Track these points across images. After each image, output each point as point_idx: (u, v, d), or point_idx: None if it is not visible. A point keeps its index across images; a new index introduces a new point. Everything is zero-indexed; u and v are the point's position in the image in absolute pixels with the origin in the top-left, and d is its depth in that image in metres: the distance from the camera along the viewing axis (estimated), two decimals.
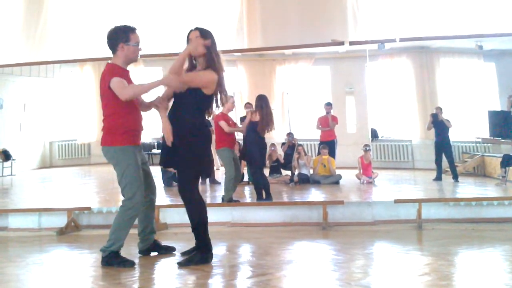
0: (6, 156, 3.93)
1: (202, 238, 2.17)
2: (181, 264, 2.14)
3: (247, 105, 3.68)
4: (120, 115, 2.16)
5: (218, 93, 2.17)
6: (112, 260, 2.18)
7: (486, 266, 2.12)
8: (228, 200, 3.38)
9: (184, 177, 2.16)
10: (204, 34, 2.18)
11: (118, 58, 2.21)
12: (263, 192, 3.39)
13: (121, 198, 2.26)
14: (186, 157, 2.11)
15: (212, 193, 3.79)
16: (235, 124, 3.57)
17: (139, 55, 2.25)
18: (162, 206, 3.29)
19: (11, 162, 3.96)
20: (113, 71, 2.16)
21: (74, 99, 4.14)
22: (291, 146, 3.89)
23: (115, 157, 2.18)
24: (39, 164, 4.08)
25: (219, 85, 2.15)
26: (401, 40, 3.37)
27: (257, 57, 4.02)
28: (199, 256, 2.17)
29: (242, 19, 3.65)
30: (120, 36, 2.18)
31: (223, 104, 2.25)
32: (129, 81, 2.23)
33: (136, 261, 2.26)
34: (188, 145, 2.11)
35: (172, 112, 2.19)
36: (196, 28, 2.21)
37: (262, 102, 3.40)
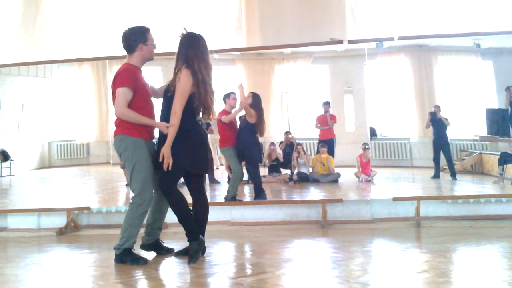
0: (5, 156, 3.92)
1: (189, 226, 2.20)
2: (190, 262, 2.15)
3: None
4: (131, 108, 2.17)
5: (196, 96, 2.16)
6: (125, 257, 2.19)
7: (484, 263, 2.13)
8: (232, 198, 3.37)
9: (163, 173, 2.18)
10: (186, 38, 2.20)
11: (134, 58, 2.24)
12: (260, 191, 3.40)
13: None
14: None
15: (211, 192, 3.79)
16: (235, 121, 3.57)
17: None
18: None
19: (10, 163, 3.95)
20: (127, 73, 2.17)
21: (72, 99, 4.13)
22: (289, 145, 3.90)
23: (128, 149, 2.18)
24: (38, 165, 4.08)
25: (196, 87, 2.14)
26: (400, 38, 3.38)
27: (256, 56, 4.02)
28: (194, 244, 2.20)
29: (241, 18, 3.65)
30: (139, 37, 2.21)
31: (207, 113, 2.22)
32: (143, 79, 2.25)
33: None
34: (173, 146, 2.14)
35: (163, 118, 2.22)
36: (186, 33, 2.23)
37: (259, 102, 3.40)
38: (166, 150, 2.12)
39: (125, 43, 2.23)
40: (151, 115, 2.25)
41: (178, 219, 2.22)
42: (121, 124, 2.20)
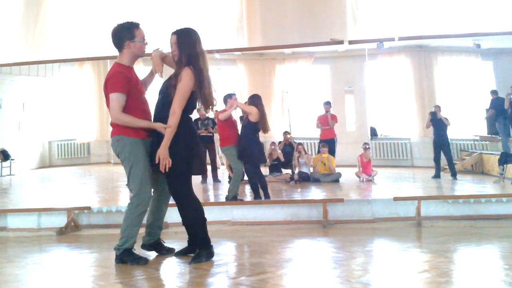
0: (5, 156, 3.92)
1: (203, 234, 2.18)
2: (192, 262, 2.14)
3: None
4: (127, 110, 2.15)
5: (199, 93, 2.13)
6: (126, 257, 2.18)
7: (484, 263, 2.14)
8: (233, 198, 3.37)
9: (176, 175, 2.15)
10: (182, 36, 2.14)
11: (124, 56, 2.19)
12: (261, 192, 3.40)
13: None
14: (175, 156, 2.11)
15: (214, 191, 3.79)
16: (235, 121, 3.57)
17: (145, 50, 2.22)
18: None
19: (10, 162, 3.94)
20: (117, 77, 2.13)
21: (73, 98, 4.13)
22: (287, 144, 3.90)
23: (125, 149, 2.15)
24: (38, 164, 4.07)
25: (199, 85, 2.12)
26: (400, 39, 3.39)
27: (257, 56, 4.03)
28: (205, 252, 2.18)
29: (242, 18, 3.66)
30: (125, 34, 2.15)
31: (208, 106, 2.20)
32: (135, 78, 2.21)
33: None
34: (174, 144, 2.11)
35: (156, 114, 2.18)
36: (174, 32, 2.17)
37: (259, 101, 3.39)
38: (163, 151, 2.08)
39: (113, 40, 2.18)
40: (147, 114, 2.22)
41: (194, 227, 2.17)
42: (117, 124, 2.18)
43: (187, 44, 2.13)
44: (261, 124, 3.36)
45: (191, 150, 2.15)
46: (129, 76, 2.17)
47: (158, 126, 2.14)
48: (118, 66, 2.18)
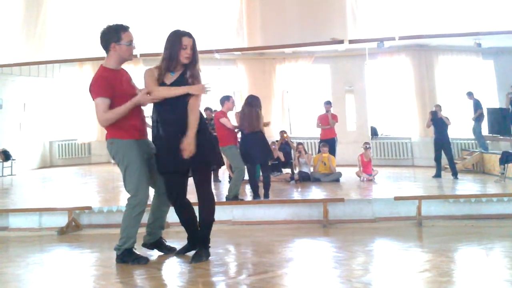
0: (6, 156, 3.93)
1: (209, 234, 2.21)
2: (192, 261, 2.15)
3: None
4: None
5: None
6: (126, 257, 2.18)
7: (485, 262, 2.14)
8: (233, 197, 3.37)
9: (203, 173, 2.16)
10: (195, 40, 2.14)
11: (110, 58, 2.18)
12: (262, 191, 3.40)
13: (122, 197, 2.26)
14: (203, 154, 2.10)
15: (215, 191, 3.79)
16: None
17: (133, 53, 2.21)
18: None
19: (11, 162, 3.96)
20: (100, 82, 2.11)
21: (74, 98, 4.14)
22: (284, 143, 3.90)
23: (118, 152, 2.16)
24: (39, 164, 4.08)
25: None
26: (400, 38, 3.38)
27: (257, 55, 4.04)
28: (205, 251, 2.20)
29: (242, 18, 3.66)
30: (112, 36, 2.14)
31: None
32: (120, 81, 2.18)
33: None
34: (198, 140, 2.09)
35: (172, 113, 2.13)
36: (189, 35, 2.13)
37: (254, 102, 3.39)
38: (191, 142, 2.03)
39: (100, 42, 2.17)
40: (138, 115, 2.19)
41: (209, 225, 2.18)
42: (109, 127, 2.17)
43: (196, 47, 2.16)
44: (244, 124, 3.34)
45: (212, 143, 2.19)
46: (113, 80, 2.14)
47: (141, 96, 2.08)
48: (102, 70, 2.17)
